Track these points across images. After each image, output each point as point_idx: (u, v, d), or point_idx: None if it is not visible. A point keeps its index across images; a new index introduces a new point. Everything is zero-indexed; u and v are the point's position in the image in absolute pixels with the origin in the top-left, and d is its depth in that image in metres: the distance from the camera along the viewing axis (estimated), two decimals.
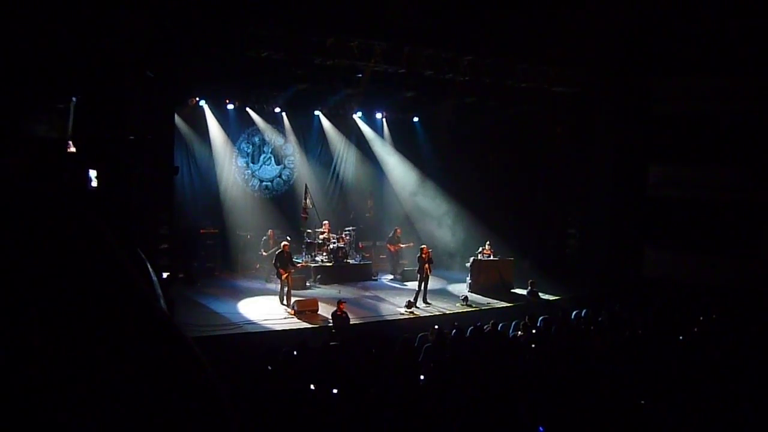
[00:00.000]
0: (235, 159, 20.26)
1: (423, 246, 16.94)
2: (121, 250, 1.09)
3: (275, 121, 20.63)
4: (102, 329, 0.98)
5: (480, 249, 18.58)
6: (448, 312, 15.66)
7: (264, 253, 18.01)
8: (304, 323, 14.16)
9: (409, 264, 18.80)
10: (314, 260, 18.76)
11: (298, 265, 16.86)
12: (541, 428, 6.88)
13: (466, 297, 16.66)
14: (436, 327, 12.19)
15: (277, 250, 16.17)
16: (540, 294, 17.39)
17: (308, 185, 19.76)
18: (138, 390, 0.96)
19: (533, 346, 11.02)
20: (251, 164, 20.70)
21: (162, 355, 1.02)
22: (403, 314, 15.34)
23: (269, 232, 18.39)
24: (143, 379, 0.98)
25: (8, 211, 1.01)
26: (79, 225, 1.06)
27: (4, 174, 1.11)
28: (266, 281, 17.67)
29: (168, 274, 14.50)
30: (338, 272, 18.66)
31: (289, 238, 17.30)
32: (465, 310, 16.00)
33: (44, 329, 0.94)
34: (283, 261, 15.54)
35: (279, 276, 15.57)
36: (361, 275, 19.22)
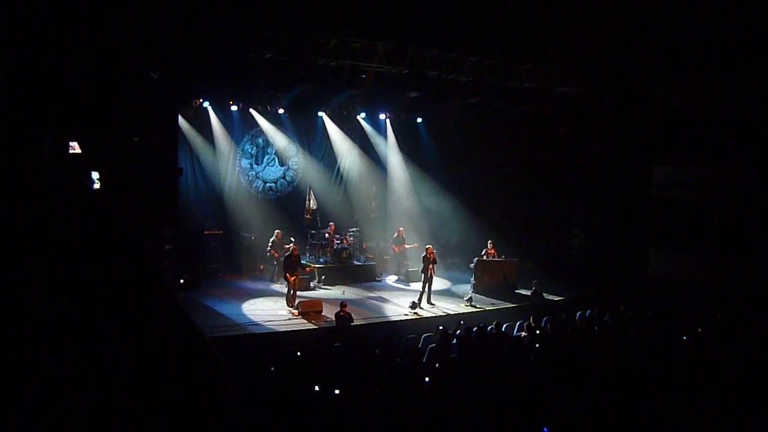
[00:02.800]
0: (238, 160, 20.27)
1: (428, 246, 16.94)
2: (150, 242, 1.09)
3: (279, 123, 20.63)
4: (124, 318, 0.98)
5: (484, 249, 18.56)
6: (452, 313, 15.65)
7: (275, 254, 17.84)
8: (308, 324, 14.17)
9: (414, 265, 18.79)
10: (318, 261, 18.76)
11: (307, 269, 16.81)
12: (545, 429, 6.86)
13: (470, 297, 16.65)
14: (441, 327, 12.18)
15: (286, 252, 16.18)
16: (544, 294, 17.35)
17: (312, 186, 19.75)
18: (155, 382, 0.97)
19: (537, 346, 11.00)
20: (255, 165, 20.71)
21: (179, 347, 1.03)
22: (407, 315, 15.33)
23: (276, 232, 18.23)
24: (159, 370, 0.98)
25: (43, 203, 1.01)
26: (111, 218, 1.06)
27: (36, 169, 1.12)
28: (272, 281, 17.65)
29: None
30: (342, 273, 18.65)
31: (293, 239, 17.31)
32: (469, 310, 15.98)
33: (64, 314, 0.94)
34: (292, 264, 15.53)
35: (287, 279, 15.56)
36: (366, 276, 19.21)
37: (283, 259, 16.17)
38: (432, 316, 15.31)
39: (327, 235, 19.07)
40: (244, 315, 14.67)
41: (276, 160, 21.06)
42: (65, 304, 0.94)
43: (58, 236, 0.98)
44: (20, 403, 0.89)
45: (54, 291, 0.95)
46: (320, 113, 21.13)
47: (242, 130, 20.23)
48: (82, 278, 0.97)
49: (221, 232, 19.19)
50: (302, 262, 16.43)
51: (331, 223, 19.46)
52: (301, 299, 15.37)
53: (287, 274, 15.44)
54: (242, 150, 20.36)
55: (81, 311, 0.95)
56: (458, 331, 11.99)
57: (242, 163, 20.40)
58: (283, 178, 21.26)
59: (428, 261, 16.26)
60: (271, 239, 18.10)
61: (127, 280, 1.02)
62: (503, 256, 18.77)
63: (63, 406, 0.91)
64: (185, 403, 0.99)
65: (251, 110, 19.93)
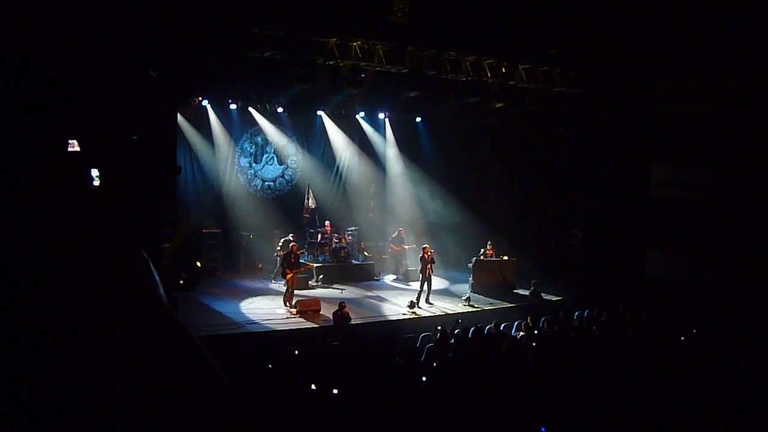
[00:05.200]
0: (237, 159, 20.27)
1: (425, 246, 16.95)
2: (129, 248, 1.09)
3: (278, 121, 20.63)
4: (109, 327, 0.98)
5: (482, 249, 18.57)
6: (450, 312, 15.65)
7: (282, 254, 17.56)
8: (306, 323, 14.18)
9: (412, 264, 18.80)
10: (317, 260, 18.75)
11: (302, 268, 16.80)
12: (543, 429, 6.87)
13: (468, 297, 16.65)
14: (439, 327, 12.18)
15: (286, 250, 16.17)
16: (542, 294, 17.36)
17: (311, 185, 19.73)
18: (144, 388, 0.96)
19: (535, 346, 11.01)
20: (254, 164, 20.71)
21: (169, 353, 1.02)
22: (405, 314, 15.34)
23: (291, 235, 17.75)
24: (150, 378, 0.98)
25: (19, 210, 1.01)
26: (86, 224, 1.06)
27: (14, 175, 1.12)
28: (273, 280, 17.59)
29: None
30: (341, 272, 18.65)
31: (292, 236, 17.31)
32: (467, 310, 15.99)
33: (50, 326, 0.94)
34: (290, 262, 15.53)
35: (284, 276, 15.56)
36: (364, 275, 19.21)
37: (282, 256, 16.14)
38: (430, 316, 15.32)
39: (326, 233, 19.05)
40: (242, 313, 14.69)
41: (275, 158, 21.07)
42: (51, 307, 0.94)
43: (44, 236, 0.98)
44: (14, 405, 0.89)
45: (38, 294, 0.95)
46: (319, 112, 21.15)
47: (241, 128, 20.23)
48: (65, 280, 0.97)
49: (220, 230, 19.20)
50: (300, 260, 16.41)
51: (327, 222, 19.42)
52: (300, 298, 15.37)
53: (286, 271, 15.44)
54: (241, 148, 20.36)
55: (66, 314, 0.95)
56: (456, 331, 11.99)
57: (241, 162, 20.40)
58: (282, 176, 21.26)
59: (425, 261, 16.26)
60: (283, 239, 17.79)
61: (112, 284, 1.02)
62: (501, 256, 18.79)
63: (55, 410, 0.90)
64: (179, 406, 0.98)
65: (250, 109, 19.94)
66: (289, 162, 21.27)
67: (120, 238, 1.08)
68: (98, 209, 1.11)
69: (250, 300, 15.98)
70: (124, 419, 0.93)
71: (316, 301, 15.22)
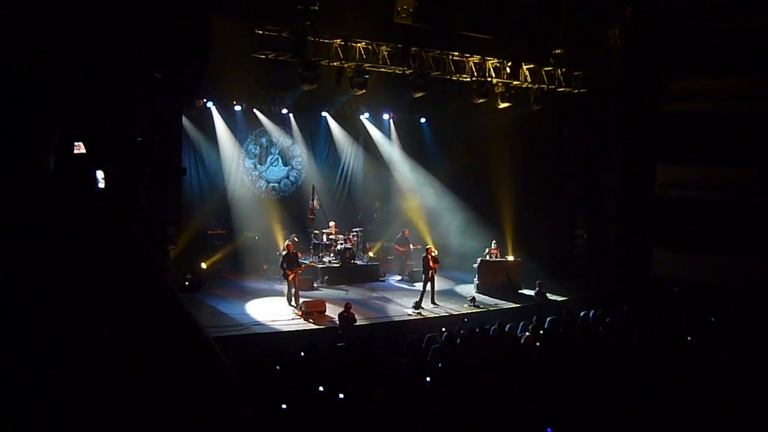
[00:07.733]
0: (242, 160, 20.29)
1: (429, 246, 16.94)
2: (146, 242, 1.09)
3: (282, 123, 20.65)
4: (122, 320, 0.98)
5: (487, 249, 18.55)
6: (455, 313, 15.63)
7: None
8: (312, 324, 14.18)
9: (417, 265, 18.78)
10: (322, 261, 18.74)
11: (302, 266, 16.76)
12: (548, 429, 6.86)
13: (473, 298, 16.64)
14: (444, 330, 12.19)
15: (283, 251, 16.17)
16: (548, 295, 17.34)
17: (315, 186, 19.75)
18: (156, 383, 0.97)
19: (540, 346, 10.99)
20: (258, 165, 20.73)
21: (183, 348, 1.03)
22: (410, 315, 15.33)
23: (294, 236, 18.05)
24: (162, 373, 0.98)
25: (36, 204, 1.01)
26: (105, 219, 1.06)
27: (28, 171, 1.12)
28: (279, 281, 17.61)
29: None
30: (346, 273, 18.63)
31: (297, 239, 17.31)
32: (472, 310, 15.97)
33: (66, 317, 0.94)
34: (290, 262, 15.53)
35: (286, 277, 15.56)
36: (369, 276, 19.19)
37: (281, 256, 16.11)
38: (435, 317, 15.30)
39: (330, 234, 19.04)
40: (248, 315, 14.68)
41: (279, 160, 21.08)
42: (67, 305, 0.95)
43: (59, 238, 0.99)
44: (22, 403, 0.89)
45: (55, 292, 0.95)
46: (324, 113, 21.16)
47: (246, 130, 20.24)
48: (83, 279, 0.97)
49: (225, 232, 19.21)
50: (298, 260, 16.35)
51: (332, 223, 19.41)
52: (305, 299, 15.38)
53: (287, 272, 15.44)
54: (246, 150, 20.38)
55: (82, 313, 0.95)
56: (461, 331, 11.99)
57: (246, 163, 20.41)
58: (287, 178, 21.27)
59: (429, 261, 16.24)
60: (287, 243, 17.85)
61: (128, 280, 1.02)
62: (507, 256, 18.76)
63: (66, 407, 0.91)
64: (190, 404, 0.99)
65: (255, 110, 19.95)
66: (293, 163, 21.29)
67: (138, 233, 1.08)
68: (109, 204, 1.10)
69: (255, 301, 15.98)
70: (135, 412, 0.93)
71: (321, 303, 15.22)
